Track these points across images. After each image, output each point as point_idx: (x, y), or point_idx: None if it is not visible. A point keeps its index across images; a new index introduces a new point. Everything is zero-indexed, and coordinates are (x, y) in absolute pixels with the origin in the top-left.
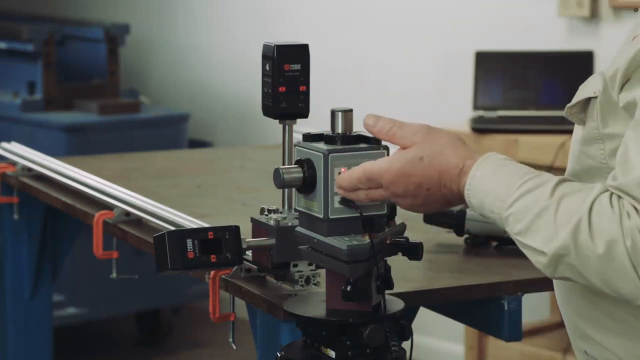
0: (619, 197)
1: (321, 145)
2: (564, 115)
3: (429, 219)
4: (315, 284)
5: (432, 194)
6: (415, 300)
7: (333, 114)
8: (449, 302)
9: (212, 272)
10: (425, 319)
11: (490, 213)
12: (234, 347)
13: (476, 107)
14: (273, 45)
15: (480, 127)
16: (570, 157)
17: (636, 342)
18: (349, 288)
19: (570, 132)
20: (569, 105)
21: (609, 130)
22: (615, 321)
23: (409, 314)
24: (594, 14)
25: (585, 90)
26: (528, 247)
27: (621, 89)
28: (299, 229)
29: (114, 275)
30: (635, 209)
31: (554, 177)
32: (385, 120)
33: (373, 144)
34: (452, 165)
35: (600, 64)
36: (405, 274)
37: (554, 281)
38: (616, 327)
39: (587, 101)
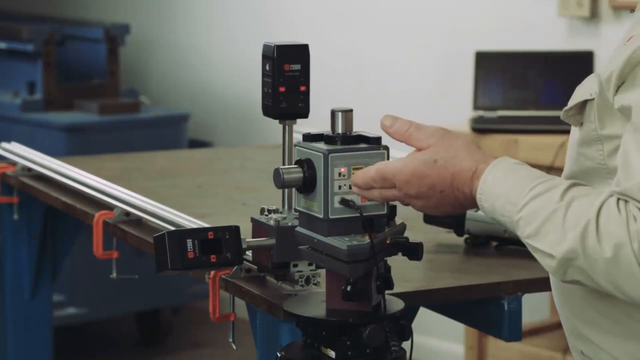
0: (626, 201)
1: (321, 145)
2: (561, 118)
3: (429, 219)
4: (315, 284)
5: (445, 197)
6: (415, 300)
7: (333, 114)
8: (449, 302)
9: (212, 272)
10: (425, 319)
11: (502, 217)
12: (234, 347)
13: (476, 107)
14: (273, 45)
15: (480, 127)
16: (567, 159)
17: (631, 342)
18: (349, 288)
19: (570, 132)
20: (565, 108)
21: (606, 131)
22: (610, 321)
23: (409, 314)
24: (594, 14)
25: (581, 92)
26: (538, 250)
27: (616, 91)
28: (299, 229)
29: (114, 275)
30: None
31: (565, 181)
32: (402, 121)
33: (373, 144)
34: (466, 168)
35: (600, 64)
36: (405, 274)
37: (552, 282)
38: (611, 327)
39: (584, 103)
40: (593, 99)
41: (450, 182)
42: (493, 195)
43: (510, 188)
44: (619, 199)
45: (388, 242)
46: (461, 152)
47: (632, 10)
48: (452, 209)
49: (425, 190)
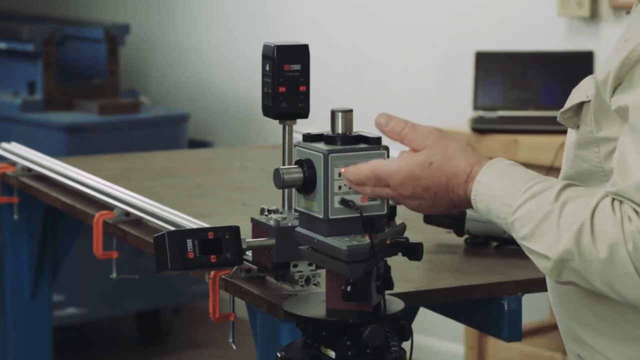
0: (620, 201)
1: (321, 146)
2: (558, 120)
3: (429, 219)
4: (315, 284)
5: (440, 198)
6: (415, 300)
7: (333, 114)
8: (449, 302)
9: (212, 272)
10: (425, 319)
11: (497, 218)
12: (234, 347)
13: (476, 107)
14: (273, 45)
15: (480, 127)
16: (564, 161)
17: (627, 345)
18: (349, 288)
19: None
20: (562, 110)
21: (603, 133)
22: (606, 323)
23: (409, 314)
24: (594, 14)
25: (577, 94)
26: (533, 252)
27: (613, 92)
28: (299, 229)
29: (114, 275)
30: (636, 212)
31: (560, 182)
32: (397, 120)
33: (373, 144)
34: (460, 170)
35: (600, 64)
36: (405, 274)
37: (548, 284)
38: (607, 329)
39: (580, 105)
40: (589, 101)
41: (445, 184)
42: (488, 196)
43: (504, 189)
44: (613, 200)
45: (388, 242)
46: (456, 154)
47: (629, 11)
48: (446, 209)
49: (420, 191)
